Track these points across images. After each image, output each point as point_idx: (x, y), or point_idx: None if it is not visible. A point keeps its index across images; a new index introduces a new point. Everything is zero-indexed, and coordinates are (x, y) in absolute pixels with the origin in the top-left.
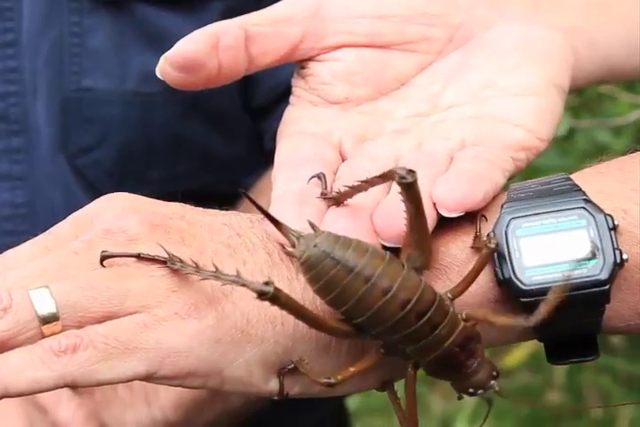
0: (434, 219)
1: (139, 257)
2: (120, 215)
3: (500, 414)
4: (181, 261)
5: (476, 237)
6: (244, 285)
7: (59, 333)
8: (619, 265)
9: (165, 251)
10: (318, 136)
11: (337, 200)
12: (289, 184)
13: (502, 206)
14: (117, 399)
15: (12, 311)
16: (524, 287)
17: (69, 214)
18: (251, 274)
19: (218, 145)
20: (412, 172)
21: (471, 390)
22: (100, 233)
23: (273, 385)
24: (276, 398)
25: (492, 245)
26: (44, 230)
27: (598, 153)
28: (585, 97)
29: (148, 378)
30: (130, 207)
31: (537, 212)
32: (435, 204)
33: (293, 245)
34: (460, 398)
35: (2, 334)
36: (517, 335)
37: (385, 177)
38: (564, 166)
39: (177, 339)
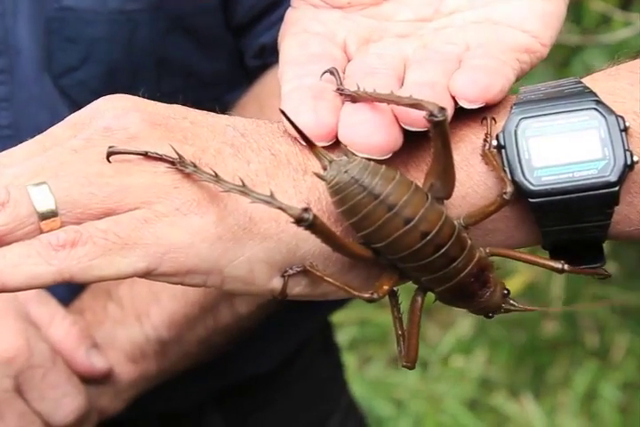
0: (450, 112)
1: (146, 155)
2: (120, 114)
3: (495, 343)
4: (195, 166)
5: (486, 138)
6: (279, 208)
7: (57, 229)
8: (629, 167)
9: (176, 152)
10: (323, 36)
11: (354, 98)
12: (300, 80)
13: (512, 107)
14: (108, 319)
15: (10, 206)
16: (532, 188)
17: None
18: (255, 174)
19: (201, 62)
20: (442, 109)
21: (490, 314)
22: (99, 131)
23: (275, 285)
24: (276, 297)
25: (508, 197)
26: None
27: None
28: (578, 15)
29: (148, 275)
30: (130, 107)
31: (547, 112)
32: (454, 97)
33: (324, 169)
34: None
35: None
36: (522, 241)
37: (413, 105)
38: None
39: (177, 235)
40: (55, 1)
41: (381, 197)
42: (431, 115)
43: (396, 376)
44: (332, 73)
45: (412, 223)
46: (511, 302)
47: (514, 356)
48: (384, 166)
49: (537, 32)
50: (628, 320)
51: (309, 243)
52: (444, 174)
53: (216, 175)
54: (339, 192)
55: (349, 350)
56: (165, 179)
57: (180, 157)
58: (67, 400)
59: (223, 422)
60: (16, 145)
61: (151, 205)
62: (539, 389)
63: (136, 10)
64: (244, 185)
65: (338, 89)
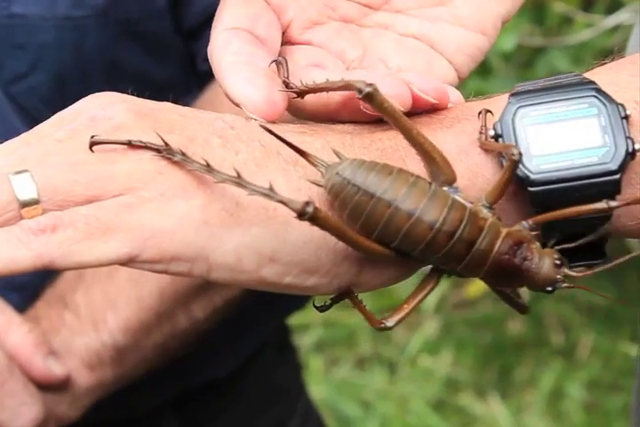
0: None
1: (129, 144)
2: (106, 105)
3: (460, 344)
4: (184, 153)
5: (482, 131)
6: (280, 201)
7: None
8: (630, 155)
9: (162, 140)
10: (271, 10)
11: (300, 94)
12: (250, 57)
13: (509, 97)
14: (65, 326)
15: None
16: (532, 176)
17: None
18: (243, 163)
19: (152, 67)
20: (370, 84)
21: (548, 289)
22: (84, 121)
23: (264, 274)
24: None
25: (516, 157)
26: None
27: None
28: (540, 17)
29: (131, 262)
30: (117, 100)
31: (545, 100)
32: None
33: (323, 176)
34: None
35: None
36: None
37: (344, 87)
38: None
39: (161, 220)
40: (3, 8)
41: (378, 193)
42: (360, 91)
43: (363, 377)
44: (279, 63)
45: (415, 215)
46: (569, 272)
47: (480, 356)
48: (381, 163)
49: (462, 67)
50: (593, 319)
51: (299, 231)
52: (426, 152)
53: (208, 165)
54: (336, 196)
55: (316, 351)
56: (150, 165)
57: (167, 144)
58: (24, 409)
59: None
60: None
61: (135, 190)
62: (505, 389)
63: (83, 16)
64: (239, 176)
65: (284, 81)
